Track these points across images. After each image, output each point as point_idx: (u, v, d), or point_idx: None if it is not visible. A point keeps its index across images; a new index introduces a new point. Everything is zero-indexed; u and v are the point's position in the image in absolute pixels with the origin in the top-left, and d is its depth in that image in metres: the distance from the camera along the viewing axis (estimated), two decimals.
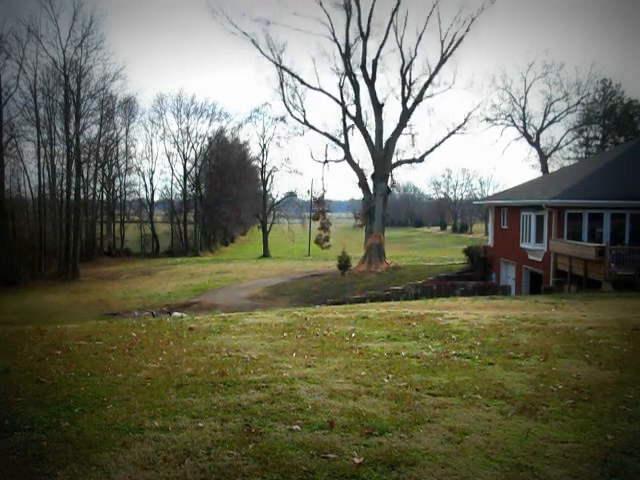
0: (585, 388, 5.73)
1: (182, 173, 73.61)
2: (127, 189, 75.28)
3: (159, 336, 8.86)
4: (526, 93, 55.75)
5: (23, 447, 4.12)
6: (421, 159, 42.63)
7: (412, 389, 5.69)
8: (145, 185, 75.87)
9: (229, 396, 5.37)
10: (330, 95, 42.05)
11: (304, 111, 43.37)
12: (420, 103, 41.16)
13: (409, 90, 40.75)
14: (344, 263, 37.75)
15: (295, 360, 7.01)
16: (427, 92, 40.81)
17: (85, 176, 61.29)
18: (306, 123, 43.75)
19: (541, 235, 25.04)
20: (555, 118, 55.70)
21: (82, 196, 58.06)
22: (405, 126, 41.18)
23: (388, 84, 42.11)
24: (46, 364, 6.72)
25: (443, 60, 39.68)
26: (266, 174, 72.14)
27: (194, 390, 5.56)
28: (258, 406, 5.06)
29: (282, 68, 42.14)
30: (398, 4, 38.95)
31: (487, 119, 54.89)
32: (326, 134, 43.27)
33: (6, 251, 44.68)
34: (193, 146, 73.77)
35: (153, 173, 74.73)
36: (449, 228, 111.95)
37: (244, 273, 43.55)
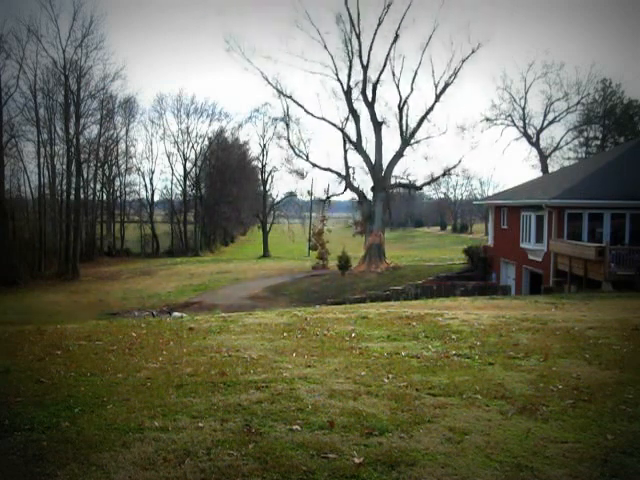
0: (585, 388, 5.73)
1: (182, 173, 73.79)
2: (127, 189, 75.52)
3: (159, 336, 8.86)
4: (526, 93, 55.81)
5: (23, 447, 4.11)
6: (420, 187, 46.94)
7: (412, 389, 5.68)
8: (145, 185, 76.06)
9: (229, 396, 5.37)
10: (332, 123, 44.74)
11: (307, 155, 46.75)
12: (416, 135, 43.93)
13: (406, 125, 43.47)
14: (344, 263, 37.77)
15: (295, 360, 7.01)
16: (422, 133, 43.91)
17: (85, 176, 61.35)
18: (309, 161, 46.91)
19: (541, 235, 25.04)
20: (555, 118, 55.71)
21: (82, 196, 58.10)
22: (402, 156, 43.78)
23: (386, 104, 45.21)
24: (46, 364, 6.72)
25: (437, 99, 42.48)
26: (266, 174, 72.34)
27: (194, 390, 5.55)
28: (258, 406, 5.05)
29: (288, 97, 45.09)
30: (396, 38, 41.56)
31: (487, 119, 55.07)
32: (328, 169, 45.97)
33: (6, 251, 44.67)
34: (193, 146, 73.90)
35: (153, 173, 74.94)
36: (449, 228, 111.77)
37: (244, 273, 43.58)
